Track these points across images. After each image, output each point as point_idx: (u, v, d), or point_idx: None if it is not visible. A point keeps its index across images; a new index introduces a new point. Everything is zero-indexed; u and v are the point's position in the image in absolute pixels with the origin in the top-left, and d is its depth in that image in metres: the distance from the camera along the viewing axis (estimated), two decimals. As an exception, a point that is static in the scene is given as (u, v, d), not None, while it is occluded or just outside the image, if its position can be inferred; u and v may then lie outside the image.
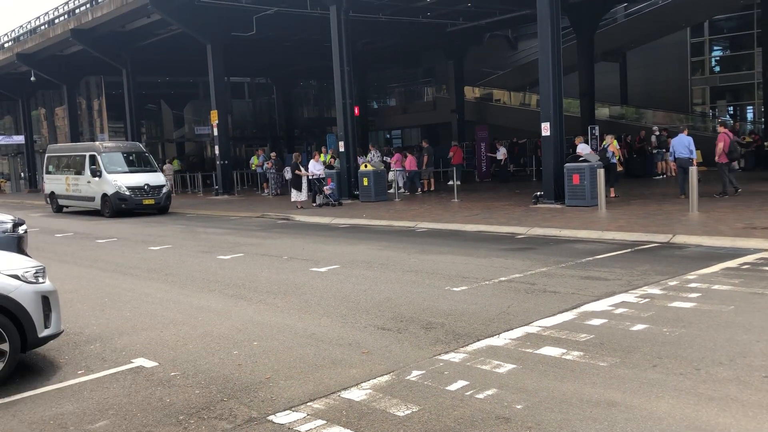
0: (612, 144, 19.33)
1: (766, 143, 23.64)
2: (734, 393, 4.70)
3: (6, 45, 40.89)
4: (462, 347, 6.10)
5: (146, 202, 23.13)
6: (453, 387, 5.11)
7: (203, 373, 5.77)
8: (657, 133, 26.38)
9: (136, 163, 24.50)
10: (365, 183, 22.36)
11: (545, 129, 17.85)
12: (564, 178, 17.29)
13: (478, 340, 6.29)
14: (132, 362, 6.18)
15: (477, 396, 4.91)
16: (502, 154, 28.67)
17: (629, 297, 7.70)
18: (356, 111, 23.85)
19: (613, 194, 18.36)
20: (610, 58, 35.84)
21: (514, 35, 41.71)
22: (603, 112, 34.92)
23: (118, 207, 22.83)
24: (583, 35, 31.01)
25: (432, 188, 25.26)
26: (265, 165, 29.19)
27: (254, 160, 33.84)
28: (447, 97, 41.05)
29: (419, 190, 25.21)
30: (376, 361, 5.82)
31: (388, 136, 48.54)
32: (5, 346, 5.67)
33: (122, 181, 23.05)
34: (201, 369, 5.88)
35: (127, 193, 22.85)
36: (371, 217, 17.77)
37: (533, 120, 25.08)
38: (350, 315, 7.51)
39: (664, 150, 23.92)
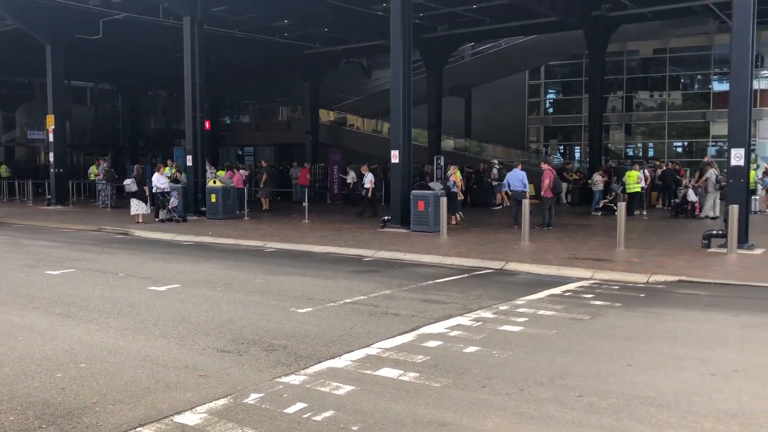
0: (455, 174, 20.31)
1: (589, 181, 25.96)
2: (552, 412, 5.08)
3: None
4: (303, 369, 6.11)
5: (-36, 209, 20.99)
6: (291, 410, 5.10)
7: (20, 398, 5.32)
8: (498, 166, 28.12)
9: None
10: (213, 199, 21.79)
11: (394, 156, 18.42)
12: (410, 204, 17.91)
13: (320, 362, 6.33)
14: (-65, 387, 5.57)
15: (314, 418, 4.94)
16: (350, 177, 29.15)
17: (464, 320, 8.10)
18: (207, 125, 23.27)
19: (454, 222, 19.27)
20: (456, 93, 37.82)
21: (368, 63, 42.84)
22: (449, 143, 36.67)
23: (-70, 213, 20.54)
24: (433, 69, 32.50)
25: (267, 207, 24.84)
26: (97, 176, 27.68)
27: (93, 170, 31.84)
28: (302, 118, 41.19)
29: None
30: (214, 384, 5.68)
31: (240, 152, 47.74)
32: None
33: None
34: (17, 393, 5.41)
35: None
36: (218, 235, 17.34)
37: (384, 147, 25.81)
38: (189, 336, 7.26)
39: (503, 182, 25.51)
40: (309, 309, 8.67)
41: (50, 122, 27.29)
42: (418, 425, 4.81)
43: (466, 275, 11.67)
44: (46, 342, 6.99)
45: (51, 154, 27.80)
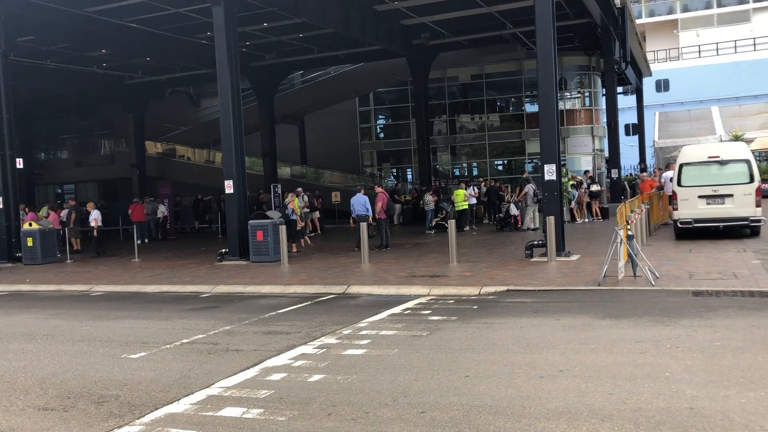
0: (293, 202, 20.28)
1: (421, 201, 27.04)
2: (397, 431, 5.16)
3: None
4: (137, 419, 5.73)
5: None
6: (126, 464, 4.75)
7: None
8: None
9: None
10: (29, 243, 20.00)
11: (228, 186, 18.04)
12: (248, 235, 17.58)
13: (156, 409, 5.97)
14: None
15: (153, 470, 4.63)
16: (160, 212, 28.21)
17: (308, 348, 8.05)
18: (19, 163, 21.38)
19: (294, 249, 19.18)
20: (290, 120, 37.96)
21: (196, 92, 41.78)
22: (285, 171, 36.60)
23: None
24: (264, 97, 32.40)
25: (78, 248, 23.07)
26: None
27: None
28: (127, 151, 39.18)
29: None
30: (36, 448, 5.16)
31: (59, 190, 44.33)
32: None
33: None
34: None
35: None
36: (37, 282, 15.92)
37: (218, 177, 25.19)
38: (4, 397, 6.56)
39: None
40: (143, 354, 8.18)
41: None
42: (264, 463, 4.68)
43: (309, 302, 11.62)
44: None
45: None
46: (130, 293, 14.04)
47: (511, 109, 37.05)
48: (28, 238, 20.08)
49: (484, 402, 5.71)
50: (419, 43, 29.12)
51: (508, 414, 5.40)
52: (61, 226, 22.45)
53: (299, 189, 24.79)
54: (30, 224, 20.39)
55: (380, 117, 39.51)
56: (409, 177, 38.43)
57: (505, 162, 37.02)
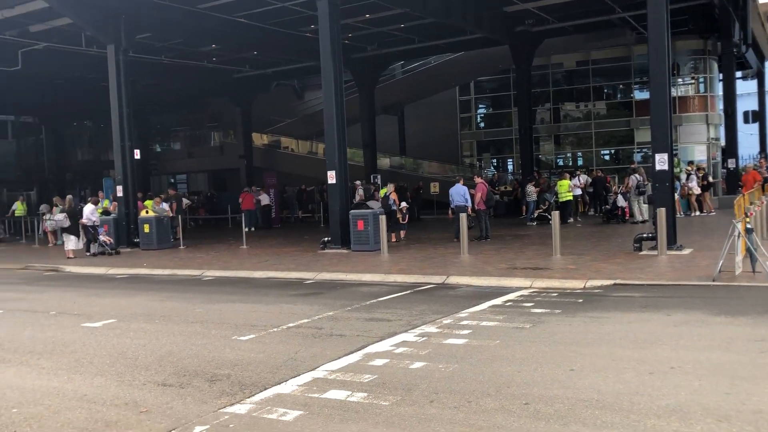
0: (393, 192, 20.43)
1: (521, 192, 26.54)
2: (500, 421, 5.13)
3: None
4: (248, 398, 5.98)
5: None
6: (238, 440, 4.99)
7: (-53, 450, 5.03)
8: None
9: None
10: (146, 230, 21.25)
11: (331, 177, 18.40)
12: (349, 224, 17.90)
13: (265, 389, 6.21)
14: None
15: (263, 447, 4.84)
16: (263, 201, 29.12)
17: (409, 336, 8.11)
18: (137, 154, 22.73)
19: (394, 239, 19.34)
20: (390, 111, 38.19)
21: (300, 85, 42.81)
22: (385, 161, 36.91)
23: None
24: (365, 89, 32.74)
25: (179, 236, 23.87)
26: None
27: (18, 207, 30.60)
28: (235, 143, 40.72)
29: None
30: (156, 420, 5.49)
31: (172, 180, 46.72)
32: None
33: None
34: (-56, 446, 5.12)
35: None
36: (153, 266, 16.89)
37: (321, 167, 25.78)
38: (127, 372, 7.02)
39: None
40: (252, 336, 8.52)
41: (-31, 158, 26.12)
42: (368, 445, 4.78)
43: (408, 292, 11.71)
44: (-27, 389, 6.63)
45: (-30, 192, 26.58)
46: (239, 278, 14.64)
47: (619, 96, 35.67)
48: (145, 225, 21.33)
49: (590, 396, 5.57)
50: (523, 30, 28.50)
51: (615, 409, 5.24)
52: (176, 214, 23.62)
53: (397, 183, 24.91)
54: (147, 212, 21.64)
55: (481, 106, 39.08)
56: (510, 167, 37.82)
57: (612, 151, 35.73)
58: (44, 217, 25.99)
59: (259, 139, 40.56)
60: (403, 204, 20.46)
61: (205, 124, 45.27)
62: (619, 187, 24.54)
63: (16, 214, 30.29)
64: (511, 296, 10.76)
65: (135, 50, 23.86)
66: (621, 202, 22.95)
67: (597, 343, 7.45)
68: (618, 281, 11.36)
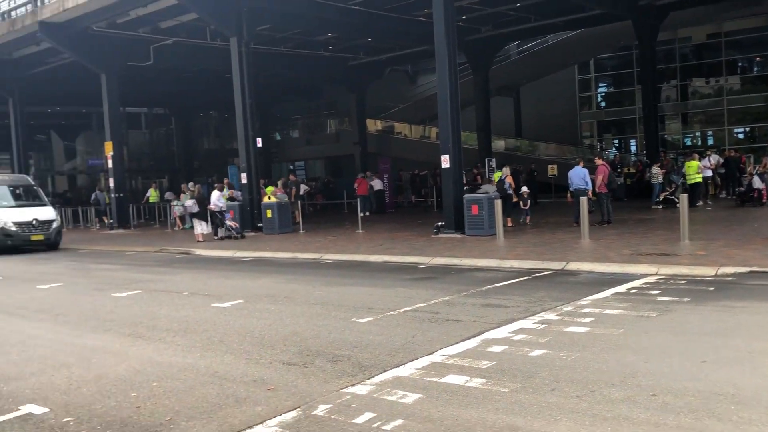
0: (509, 176, 20.10)
1: (647, 174, 25.27)
2: (626, 412, 4.95)
3: None
4: (368, 379, 6.12)
5: (35, 238, 21.85)
6: (360, 420, 5.11)
7: (99, 417, 5.49)
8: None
9: (23, 196, 23.18)
10: (269, 215, 22.13)
11: (445, 161, 18.36)
12: (463, 209, 17.80)
13: (384, 371, 6.32)
14: (20, 409, 5.78)
15: (384, 427, 4.93)
16: (379, 185, 29.35)
17: (527, 323, 7.98)
18: (259, 142, 23.68)
19: (510, 224, 19.05)
20: (504, 92, 37.49)
21: (413, 70, 42.91)
22: (499, 144, 36.35)
23: (4, 243, 21.44)
24: (479, 71, 32.30)
25: (298, 220, 24.48)
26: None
27: (152, 193, 32.79)
28: (349, 130, 41.50)
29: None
30: (282, 397, 5.74)
31: (291, 167, 48.36)
32: None
33: (8, 216, 21.70)
34: (96, 413, 5.59)
35: (14, 228, 21.52)
36: (275, 250, 17.58)
37: (433, 152, 25.77)
38: (255, 351, 7.37)
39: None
40: (370, 318, 8.69)
41: (108, 149, 28.21)
42: (488, 430, 4.75)
43: (526, 277, 11.51)
44: (119, 362, 7.20)
45: (111, 180, 28.72)
46: (355, 262, 14.95)
47: (755, 69, 33.12)
48: (267, 210, 22.22)
49: (724, 390, 5.25)
50: (646, 3, 27.02)
51: (754, 405, 4.91)
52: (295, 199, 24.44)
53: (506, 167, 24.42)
54: (269, 198, 22.52)
55: (601, 85, 37.56)
56: (633, 148, 36.16)
57: (747, 129, 33.28)
58: (172, 203, 27.85)
59: (373, 125, 41.08)
60: (524, 189, 20.08)
61: (321, 111, 46.43)
62: (755, 168, 22.84)
63: (150, 201, 32.49)
64: (636, 283, 10.31)
65: (256, 42, 24.77)
66: (757, 183, 21.37)
67: (731, 333, 7.00)
68: (754, 268, 10.61)
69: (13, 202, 22.53)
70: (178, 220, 26.81)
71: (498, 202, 16.97)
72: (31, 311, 10.76)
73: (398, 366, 6.47)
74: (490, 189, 18.33)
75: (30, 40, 27.60)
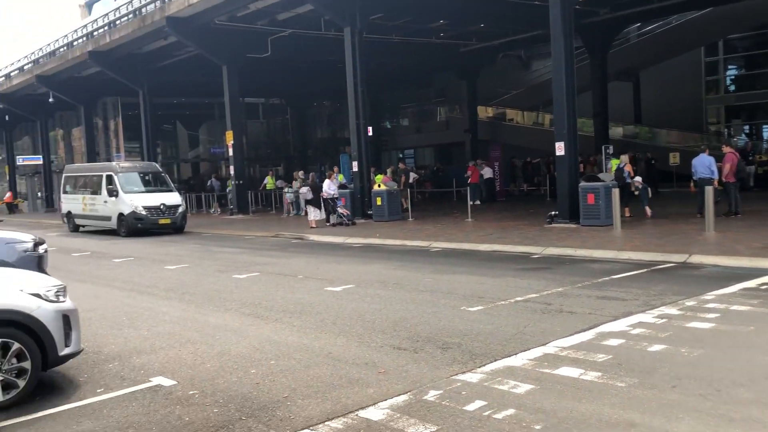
0: (628, 164, 19.26)
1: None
2: (757, 414, 4.66)
3: (26, 67, 41.60)
4: (479, 367, 6.09)
5: (162, 221, 23.30)
6: (471, 407, 5.11)
7: (222, 391, 5.80)
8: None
9: (152, 182, 24.74)
10: (378, 202, 22.42)
11: (559, 149, 17.85)
12: (578, 198, 17.26)
13: (495, 360, 6.27)
14: (150, 381, 6.22)
15: (495, 416, 4.90)
16: (489, 173, 28.83)
17: (646, 317, 7.65)
18: (369, 131, 23.97)
19: (628, 214, 18.28)
20: (623, 77, 35.87)
21: (527, 55, 41.87)
22: (617, 131, 34.88)
23: (134, 226, 23.01)
24: (596, 55, 31.08)
25: (406, 206, 24.45)
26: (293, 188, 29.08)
27: (269, 180, 34.05)
28: (460, 117, 41.17)
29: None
30: (393, 381, 5.83)
31: (401, 155, 48.67)
32: (27, 365, 5.73)
33: (138, 200, 23.25)
34: (219, 388, 5.91)
35: (144, 212, 23.04)
36: (385, 237, 17.80)
37: (547, 139, 25.12)
38: (366, 334, 7.52)
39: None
40: (480, 307, 8.64)
41: (229, 138, 29.54)
42: (604, 425, 4.62)
43: (644, 270, 11.02)
44: (239, 340, 7.57)
45: (231, 168, 30.07)
46: (464, 251, 14.88)
47: None
48: (377, 198, 22.51)
49: None
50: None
51: None
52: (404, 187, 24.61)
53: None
54: (379, 185, 22.81)
55: (731, 67, 35.17)
56: (765, 135, 33.68)
57: None
58: (284, 190, 28.96)
59: (484, 112, 40.55)
60: (638, 179, 19.21)
61: (431, 99, 46.33)
62: None
63: (267, 188, 33.75)
64: (767, 279, 9.64)
65: (368, 31, 25.02)
66: None
67: None
68: None
69: (143, 188, 24.11)
70: (288, 206, 27.94)
71: (615, 191, 16.32)
72: (160, 290, 11.50)
73: (509, 356, 6.40)
74: (607, 178, 17.66)
75: (158, 34, 29.29)
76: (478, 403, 5.16)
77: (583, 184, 17.34)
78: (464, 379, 5.78)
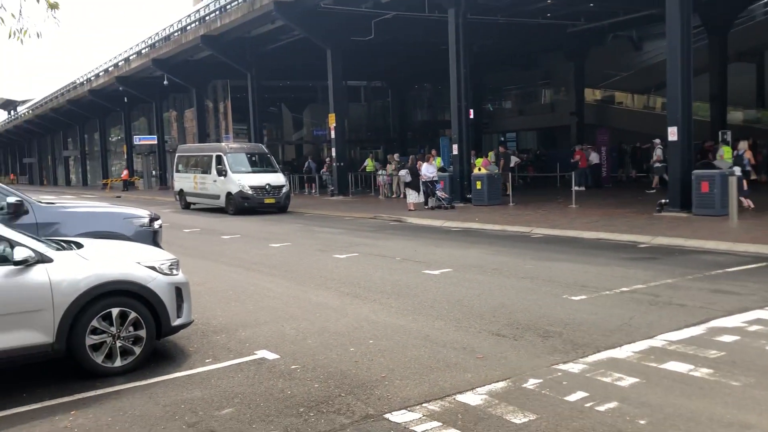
0: (747, 150, 18.08)
1: None
2: None
3: (143, 51, 43.90)
4: (581, 358, 5.93)
5: (267, 201, 24.07)
6: (572, 398, 4.98)
7: (322, 367, 5.94)
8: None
9: (258, 163, 25.57)
10: (478, 186, 22.17)
11: (672, 134, 16.97)
12: (691, 186, 16.38)
13: (598, 352, 6.08)
14: (255, 354, 6.46)
15: (597, 408, 4.76)
16: (595, 158, 27.72)
17: (765, 314, 7.18)
18: (471, 114, 23.70)
19: (746, 204, 17.17)
20: (745, 58, 33.56)
21: (638, 35, 39.95)
22: (736, 116, 32.73)
23: (241, 205, 23.90)
24: (716, 34, 29.23)
25: (508, 192, 23.93)
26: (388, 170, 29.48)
27: (369, 163, 34.40)
28: (565, 100, 39.94)
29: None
30: (492, 367, 5.77)
31: (502, 138, 47.89)
32: (142, 333, 6.10)
33: (246, 180, 24.11)
34: (320, 364, 6.06)
35: (250, 192, 23.87)
36: (484, 221, 17.60)
37: (658, 124, 23.92)
38: (464, 319, 7.47)
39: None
40: (583, 297, 8.39)
41: (331, 121, 30.04)
42: (715, 425, 4.38)
43: (763, 264, 10.34)
44: (339, 318, 7.72)
45: (333, 150, 30.61)
46: (567, 238, 14.48)
47: None
48: (477, 182, 22.26)
49: None
50: None
51: None
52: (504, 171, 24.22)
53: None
54: (479, 169, 22.55)
55: None
56: None
57: None
58: (378, 172, 29.32)
59: (591, 95, 39.13)
60: (736, 168, 17.96)
61: (536, 81, 45.17)
62: None
63: (366, 170, 34.13)
64: None
65: (471, 12, 24.66)
66: None
67: None
68: None
69: (250, 168, 24.98)
70: (382, 188, 28.37)
71: (732, 180, 15.35)
72: (265, 266, 11.90)
73: (614, 347, 6.19)
74: (723, 165, 16.65)
75: (266, 19, 30.06)
76: (580, 394, 5.03)
77: (696, 171, 16.43)
78: (565, 369, 5.64)
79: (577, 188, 21.67)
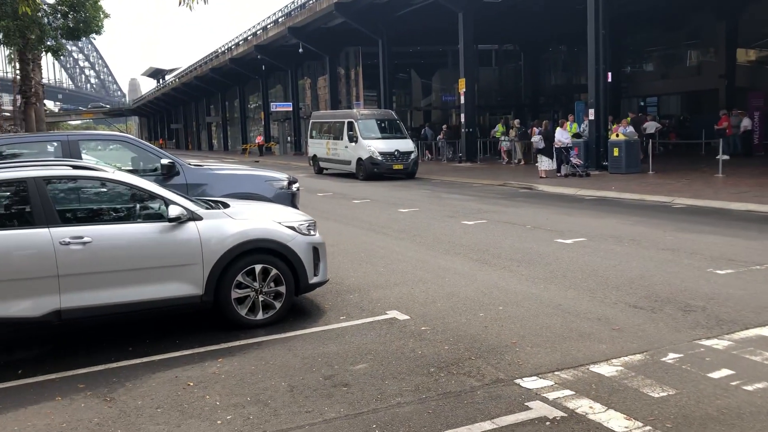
0: None
1: None
2: None
3: (279, 20, 45.33)
4: (726, 334, 5.60)
5: (396, 167, 24.35)
6: (715, 375, 4.73)
7: (451, 330, 6.01)
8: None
9: (388, 129, 25.85)
10: (616, 153, 21.20)
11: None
12: None
13: (746, 329, 5.71)
14: (386, 314, 6.63)
15: (744, 387, 4.49)
16: (743, 126, 25.50)
17: None
18: (609, 77, 22.58)
19: None
20: None
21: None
22: None
23: (371, 171, 24.34)
24: None
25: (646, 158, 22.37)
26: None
27: (499, 129, 33.82)
28: (714, 61, 37.07)
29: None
30: (628, 339, 5.58)
31: (642, 103, 45.33)
32: (282, 289, 6.43)
33: (375, 146, 24.50)
34: (449, 326, 6.12)
35: (380, 158, 24.24)
36: (621, 190, 16.85)
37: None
38: (599, 290, 7.25)
39: None
40: (730, 271, 7.87)
41: (461, 86, 29.71)
42: None
43: None
44: (467, 284, 7.74)
45: (462, 116, 30.33)
46: (712, 208, 13.59)
47: None
48: (615, 149, 21.28)
49: None
50: None
51: None
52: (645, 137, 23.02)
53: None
54: (617, 135, 21.53)
55: None
56: None
57: None
58: (500, 139, 28.96)
59: (744, 56, 36.04)
60: None
61: (681, 42, 42.20)
62: None
63: (496, 136, 33.58)
64: None
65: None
66: None
67: None
68: None
69: (379, 135, 25.32)
70: (503, 155, 27.99)
71: None
72: (394, 230, 12.11)
73: (764, 325, 5.79)
74: None
75: (399, -18, 30.12)
76: (725, 372, 4.77)
77: None
78: (708, 345, 5.35)
79: (724, 157, 20.18)
